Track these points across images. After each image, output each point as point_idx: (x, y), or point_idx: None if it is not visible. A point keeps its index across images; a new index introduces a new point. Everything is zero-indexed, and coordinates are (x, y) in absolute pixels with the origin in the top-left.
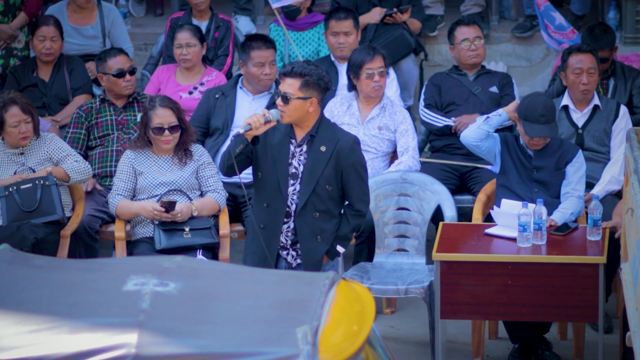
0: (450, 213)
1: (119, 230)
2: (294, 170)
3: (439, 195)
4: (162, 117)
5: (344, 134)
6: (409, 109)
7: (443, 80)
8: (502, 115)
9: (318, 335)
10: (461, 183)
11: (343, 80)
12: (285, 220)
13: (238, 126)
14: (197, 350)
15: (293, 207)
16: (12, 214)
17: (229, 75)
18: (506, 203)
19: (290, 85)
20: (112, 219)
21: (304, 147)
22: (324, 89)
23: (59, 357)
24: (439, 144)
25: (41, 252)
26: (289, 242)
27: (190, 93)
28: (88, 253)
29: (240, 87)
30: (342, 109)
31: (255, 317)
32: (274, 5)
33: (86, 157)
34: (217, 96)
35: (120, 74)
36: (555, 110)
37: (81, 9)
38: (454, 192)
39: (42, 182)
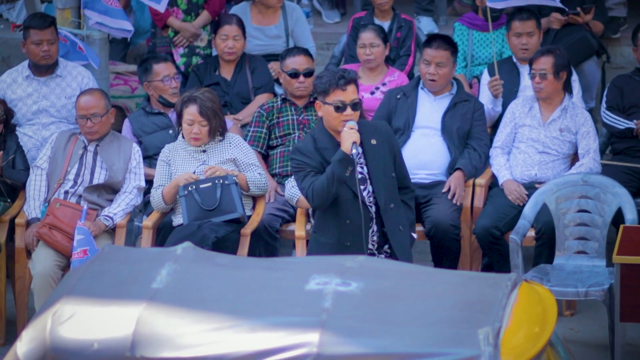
0: (631, 216)
1: (299, 229)
2: (360, 176)
3: (620, 197)
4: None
5: (375, 122)
6: (590, 110)
7: (625, 82)
8: None
9: (500, 336)
10: None
11: (525, 81)
12: (370, 225)
13: (420, 127)
14: (379, 350)
15: (374, 210)
16: (193, 213)
17: (410, 75)
18: None
19: (353, 92)
20: (292, 218)
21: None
22: None
23: (240, 356)
24: (620, 147)
25: (221, 251)
26: (376, 246)
27: (372, 93)
28: (268, 252)
29: (422, 88)
30: (523, 111)
31: (437, 317)
32: (490, 4)
33: (267, 156)
34: (398, 97)
35: (294, 75)
36: None
37: (267, 8)
38: (635, 194)
39: (221, 181)
